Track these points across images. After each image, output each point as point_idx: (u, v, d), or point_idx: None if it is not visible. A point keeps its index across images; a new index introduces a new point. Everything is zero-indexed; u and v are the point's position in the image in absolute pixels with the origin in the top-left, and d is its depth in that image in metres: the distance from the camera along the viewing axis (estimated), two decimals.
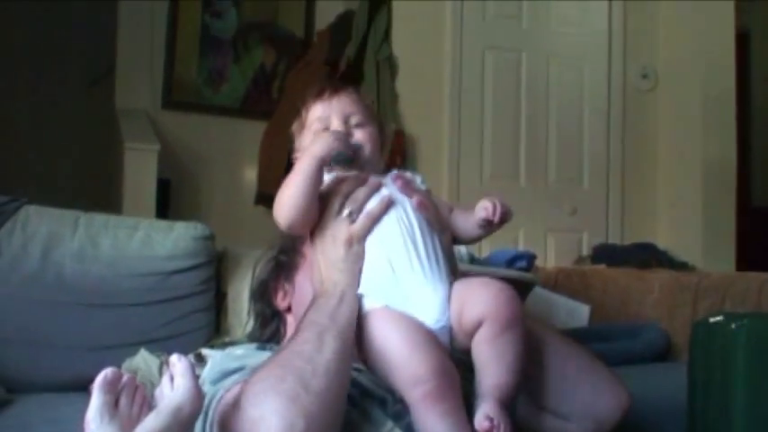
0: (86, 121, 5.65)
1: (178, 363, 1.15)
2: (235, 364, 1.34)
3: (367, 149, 1.41)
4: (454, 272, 1.37)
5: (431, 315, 1.26)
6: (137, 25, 5.15)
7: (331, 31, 4.80)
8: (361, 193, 1.35)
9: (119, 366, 1.36)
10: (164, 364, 2.03)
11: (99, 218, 2.33)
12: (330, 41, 4.63)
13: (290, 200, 1.30)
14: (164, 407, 1.09)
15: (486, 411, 1.20)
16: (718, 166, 4.79)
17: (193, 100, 5.34)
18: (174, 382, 1.14)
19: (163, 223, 2.45)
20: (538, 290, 2.41)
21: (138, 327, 2.20)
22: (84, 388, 2.02)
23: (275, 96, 5.36)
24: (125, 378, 1.14)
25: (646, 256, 3.70)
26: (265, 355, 1.34)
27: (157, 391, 1.18)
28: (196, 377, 1.14)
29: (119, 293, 2.20)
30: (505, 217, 1.38)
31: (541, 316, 2.45)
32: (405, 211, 1.36)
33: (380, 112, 4.24)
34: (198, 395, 1.11)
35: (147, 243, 2.28)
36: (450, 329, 1.27)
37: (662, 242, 4.30)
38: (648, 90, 5.00)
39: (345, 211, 1.33)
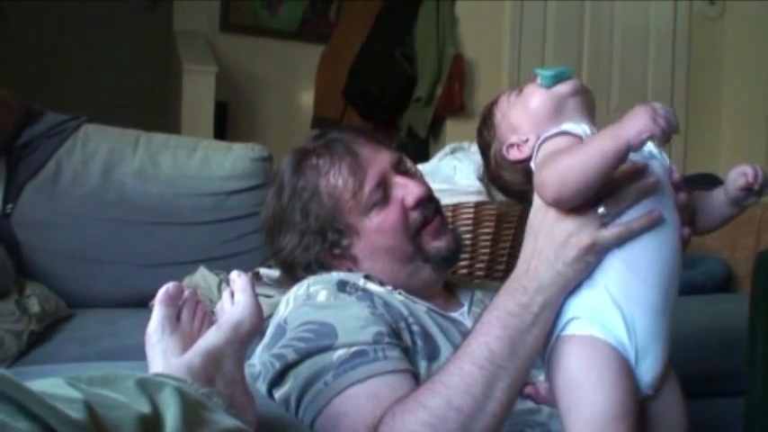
0: (144, 42, 5.66)
1: (238, 279, 1.15)
2: (325, 340, 1.22)
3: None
4: None
5: (649, 382, 1.05)
6: None
7: None
8: (631, 193, 1.04)
9: None
10: (222, 282, 2.05)
11: (159, 137, 2.35)
12: None
13: (574, 182, 0.99)
14: (224, 322, 1.09)
15: None
16: None
17: (251, 23, 5.31)
18: (234, 297, 1.14)
19: (221, 144, 2.46)
20: None
21: (196, 245, 2.23)
22: (143, 304, 2.07)
23: (333, 20, 5.30)
24: (186, 293, 1.15)
25: (707, 188, 3.60)
26: (353, 305, 1.27)
27: (218, 307, 1.18)
28: (256, 294, 1.14)
29: (178, 212, 2.23)
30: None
31: None
32: (672, 233, 1.07)
33: (439, 36, 4.16)
34: (258, 311, 1.12)
35: (205, 163, 2.30)
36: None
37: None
38: (716, 17, 4.81)
39: (601, 209, 1.03)
